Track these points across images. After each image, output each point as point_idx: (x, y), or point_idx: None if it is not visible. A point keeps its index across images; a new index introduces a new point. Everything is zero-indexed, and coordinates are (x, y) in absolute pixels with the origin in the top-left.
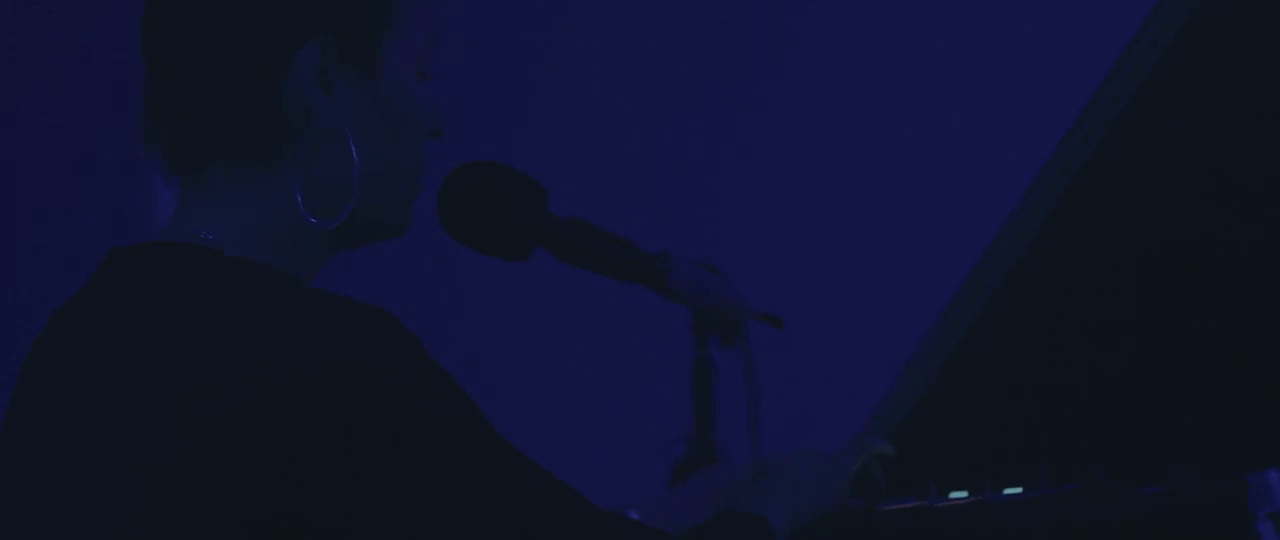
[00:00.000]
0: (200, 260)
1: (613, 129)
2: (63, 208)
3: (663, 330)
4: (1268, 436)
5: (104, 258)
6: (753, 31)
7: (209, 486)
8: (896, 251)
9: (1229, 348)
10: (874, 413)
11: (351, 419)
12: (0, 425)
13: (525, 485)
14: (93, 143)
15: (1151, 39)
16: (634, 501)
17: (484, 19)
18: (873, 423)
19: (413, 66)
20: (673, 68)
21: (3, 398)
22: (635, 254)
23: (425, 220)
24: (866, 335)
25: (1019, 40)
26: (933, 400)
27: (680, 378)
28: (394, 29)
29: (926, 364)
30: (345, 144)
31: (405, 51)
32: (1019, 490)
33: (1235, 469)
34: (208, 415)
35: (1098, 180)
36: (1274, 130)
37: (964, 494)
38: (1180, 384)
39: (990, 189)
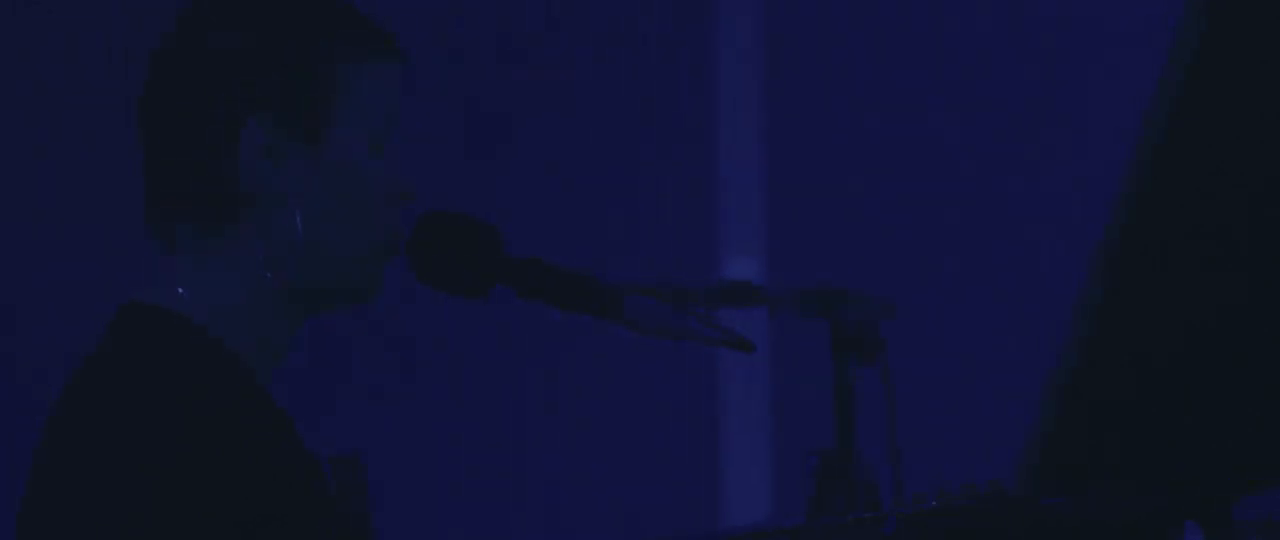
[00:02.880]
0: (147, 334)
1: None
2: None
3: (806, 348)
4: None
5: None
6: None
7: None
8: (1036, 263)
9: None
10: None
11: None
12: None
13: None
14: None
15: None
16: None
17: None
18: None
19: (366, 140)
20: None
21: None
22: (589, 288)
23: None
24: (1008, 347)
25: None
26: (1081, 410)
27: (824, 393)
28: (340, 106)
29: (1067, 376)
30: (292, 212)
31: (356, 126)
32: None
33: None
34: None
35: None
36: None
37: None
38: None
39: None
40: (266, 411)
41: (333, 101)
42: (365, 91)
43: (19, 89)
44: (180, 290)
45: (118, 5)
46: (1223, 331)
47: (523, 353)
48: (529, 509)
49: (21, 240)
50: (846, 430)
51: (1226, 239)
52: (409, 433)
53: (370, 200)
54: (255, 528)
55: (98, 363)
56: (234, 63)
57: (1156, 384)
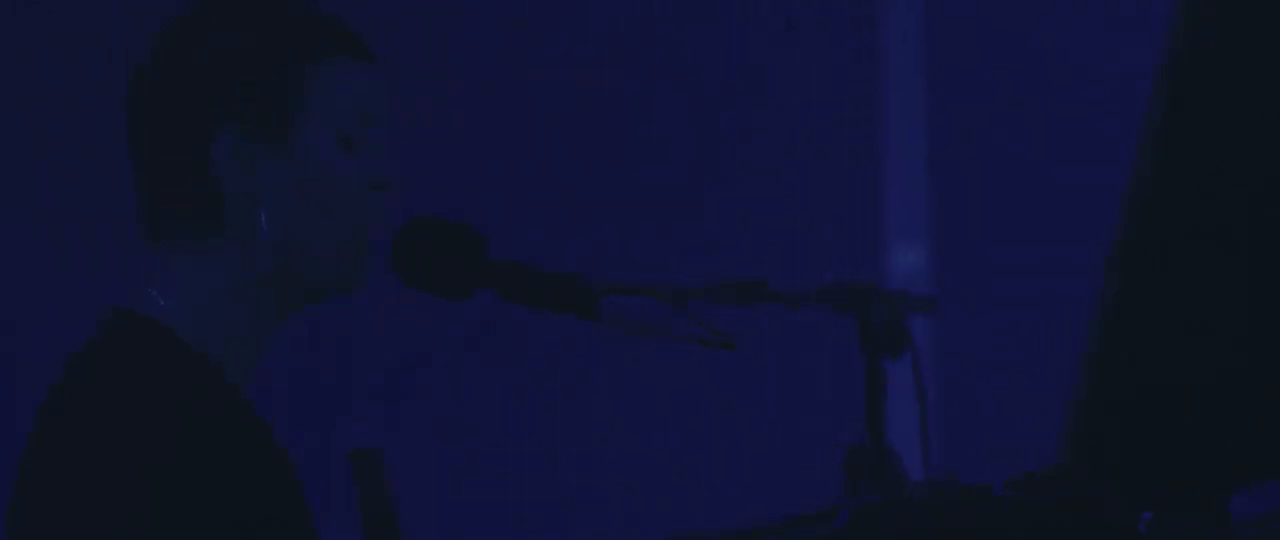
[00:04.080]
0: (128, 347)
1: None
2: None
3: (837, 344)
4: None
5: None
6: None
7: None
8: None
9: None
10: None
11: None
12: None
13: None
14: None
15: None
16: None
17: None
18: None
19: (333, 138)
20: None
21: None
22: (567, 289)
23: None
24: (1044, 338)
25: None
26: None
27: (854, 386)
28: (306, 109)
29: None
30: (264, 212)
31: (321, 125)
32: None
33: None
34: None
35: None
36: None
37: None
38: None
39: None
40: (236, 415)
41: (297, 102)
42: (329, 90)
43: (19, 89)
44: (160, 293)
45: (118, 5)
46: (1224, 329)
47: (524, 353)
48: (529, 510)
49: (20, 240)
50: (876, 425)
51: (1227, 237)
52: (409, 432)
53: (339, 196)
54: (220, 532)
55: (71, 371)
56: (203, 75)
57: (1159, 381)
